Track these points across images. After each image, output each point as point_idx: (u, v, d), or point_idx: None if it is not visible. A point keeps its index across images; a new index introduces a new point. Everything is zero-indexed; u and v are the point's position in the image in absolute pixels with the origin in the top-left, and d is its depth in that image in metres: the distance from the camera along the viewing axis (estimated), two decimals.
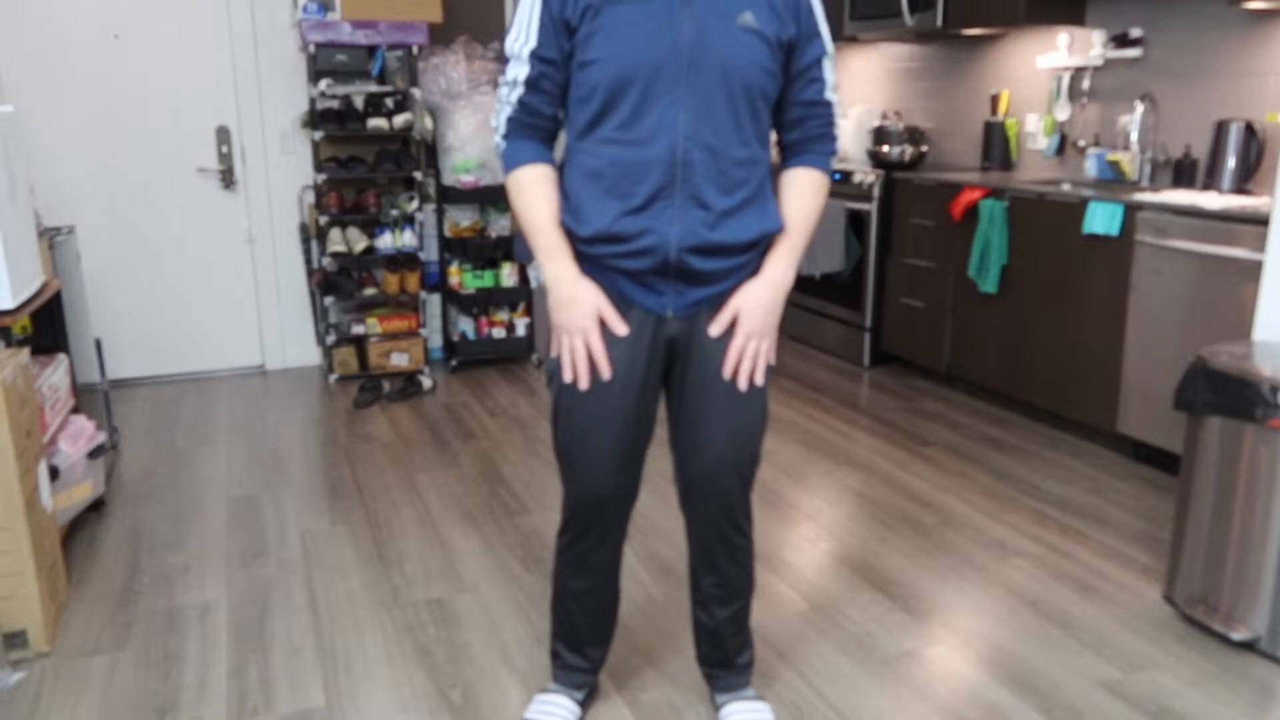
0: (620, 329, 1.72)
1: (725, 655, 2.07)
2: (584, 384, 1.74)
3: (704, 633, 2.06)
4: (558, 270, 1.75)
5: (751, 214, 1.76)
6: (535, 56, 1.71)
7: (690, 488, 1.91)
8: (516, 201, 1.77)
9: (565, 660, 2.09)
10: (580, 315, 1.74)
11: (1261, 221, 2.98)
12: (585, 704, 2.12)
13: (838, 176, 4.85)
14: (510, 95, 1.75)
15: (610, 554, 1.98)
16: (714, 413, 1.83)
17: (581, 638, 2.06)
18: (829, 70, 1.80)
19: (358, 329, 4.61)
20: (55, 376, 2.93)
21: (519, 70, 1.73)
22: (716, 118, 1.68)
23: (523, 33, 1.71)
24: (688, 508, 1.95)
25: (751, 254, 1.79)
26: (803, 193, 1.83)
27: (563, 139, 1.82)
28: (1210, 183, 3.61)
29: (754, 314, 1.79)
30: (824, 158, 1.85)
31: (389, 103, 4.49)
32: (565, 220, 1.78)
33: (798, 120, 1.82)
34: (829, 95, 1.81)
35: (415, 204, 4.56)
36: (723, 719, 2.07)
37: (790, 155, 1.86)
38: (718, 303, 1.80)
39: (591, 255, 1.76)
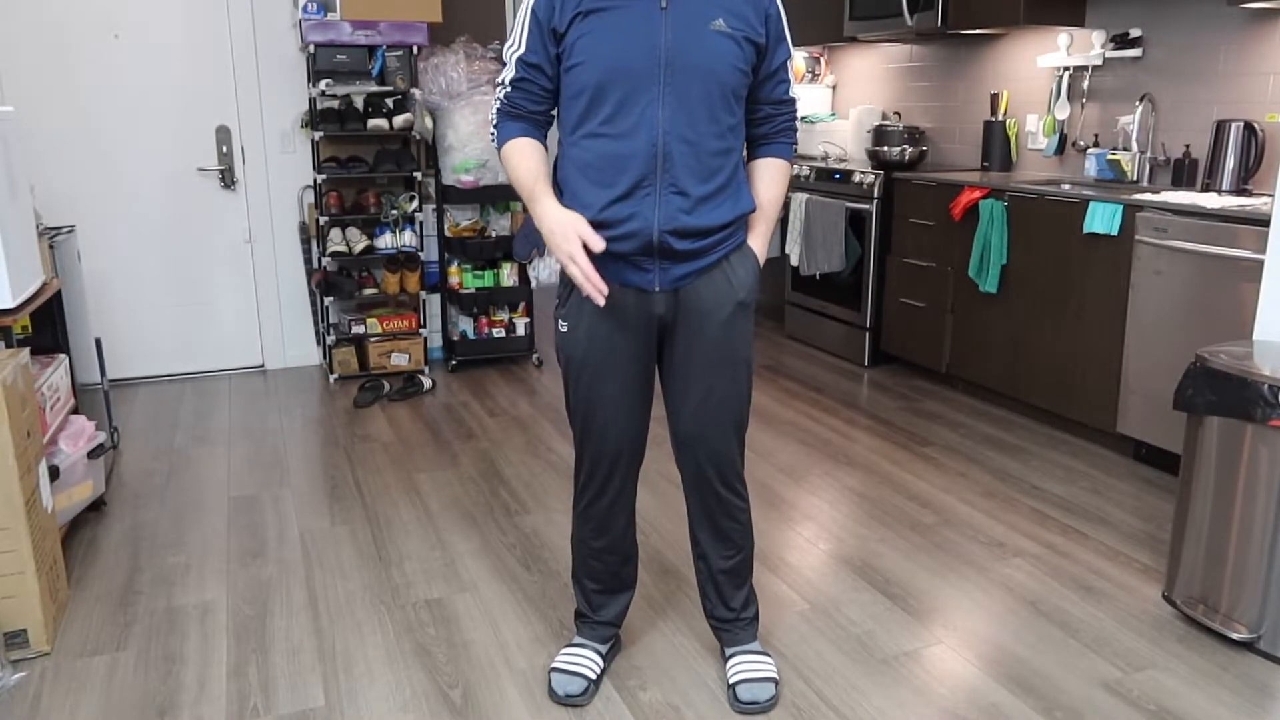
0: (598, 245, 1.83)
1: (729, 608, 2.22)
2: (600, 299, 1.85)
3: (707, 586, 2.22)
4: (543, 209, 1.89)
5: (726, 199, 1.95)
6: (521, 61, 1.91)
7: (682, 449, 2.10)
8: (508, 168, 1.96)
9: (590, 617, 2.26)
10: (563, 240, 1.85)
11: (1261, 222, 2.98)
12: (608, 656, 2.28)
13: (837, 176, 4.85)
14: (500, 93, 1.97)
15: (626, 511, 2.17)
16: (698, 379, 2.02)
17: (606, 590, 2.23)
18: (791, 71, 2.03)
19: (358, 329, 4.61)
20: (55, 376, 2.93)
21: (508, 73, 1.94)
22: (694, 114, 1.87)
23: (515, 39, 1.92)
24: (681, 467, 2.13)
25: (727, 232, 1.98)
26: (775, 179, 2.07)
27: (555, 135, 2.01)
28: (1210, 183, 3.61)
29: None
30: (789, 148, 2.08)
31: (389, 103, 4.49)
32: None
33: (767, 117, 2.03)
34: (792, 93, 2.05)
35: (415, 204, 4.56)
36: (727, 670, 2.21)
37: (759, 146, 2.07)
38: (699, 276, 1.97)
39: None
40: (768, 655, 2.22)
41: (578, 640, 2.26)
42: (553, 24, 1.85)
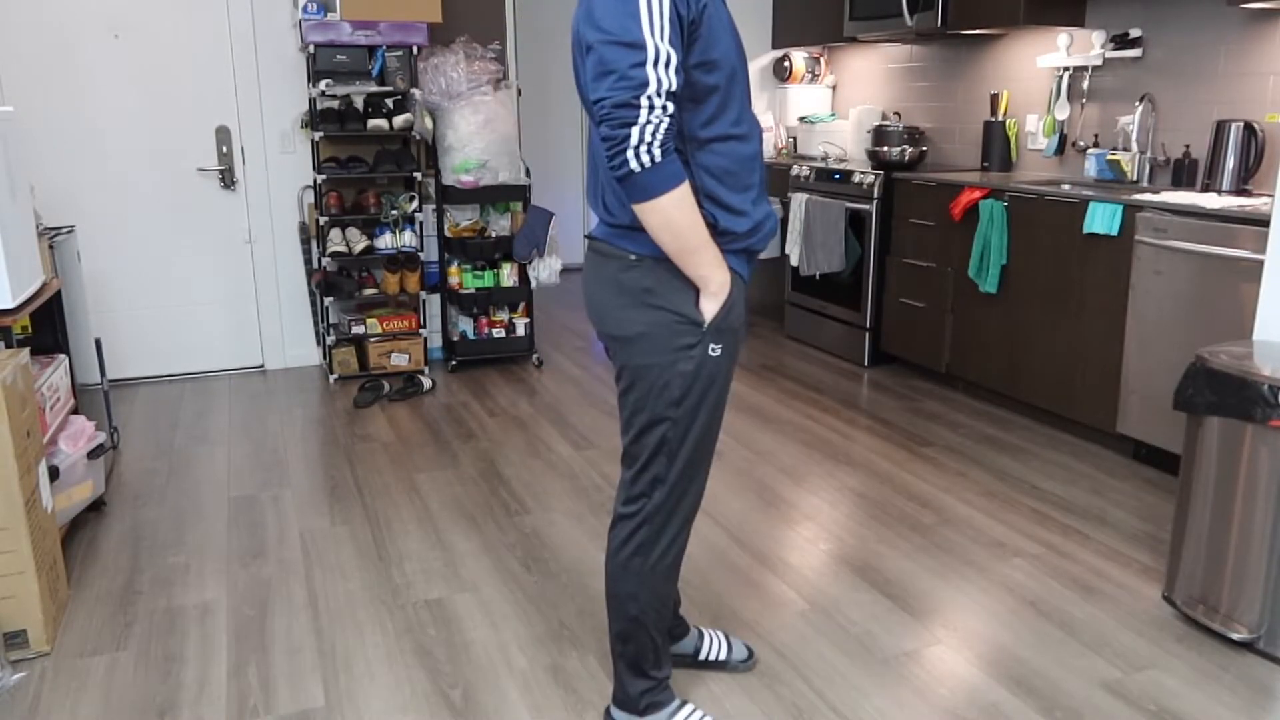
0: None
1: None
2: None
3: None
4: (726, 276, 1.76)
5: None
6: (680, 68, 1.60)
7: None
8: (682, 219, 1.66)
9: (666, 675, 2.03)
10: (740, 314, 1.80)
11: (1261, 222, 2.98)
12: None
13: (837, 176, 4.84)
14: (660, 111, 1.58)
15: None
16: None
17: (664, 635, 2.01)
18: None
19: (358, 329, 4.61)
20: (55, 376, 2.93)
21: (665, 82, 1.57)
22: None
23: (662, 38, 1.56)
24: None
25: None
26: None
27: None
28: (1210, 183, 3.61)
29: None
30: None
31: (389, 103, 4.49)
32: (723, 222, 1.76)
33: None
34: None
35: (415, 204, 4.56)
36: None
37: None
38: None
39: (740, 249, 1.83)
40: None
41: (676, 704, 2.04)
42: (690, 16, 1.60)
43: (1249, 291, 3.03)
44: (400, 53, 4.38)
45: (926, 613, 2.53)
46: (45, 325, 3.18)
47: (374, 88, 4.40)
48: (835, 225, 4.74)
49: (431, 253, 4.90)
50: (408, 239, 4.54)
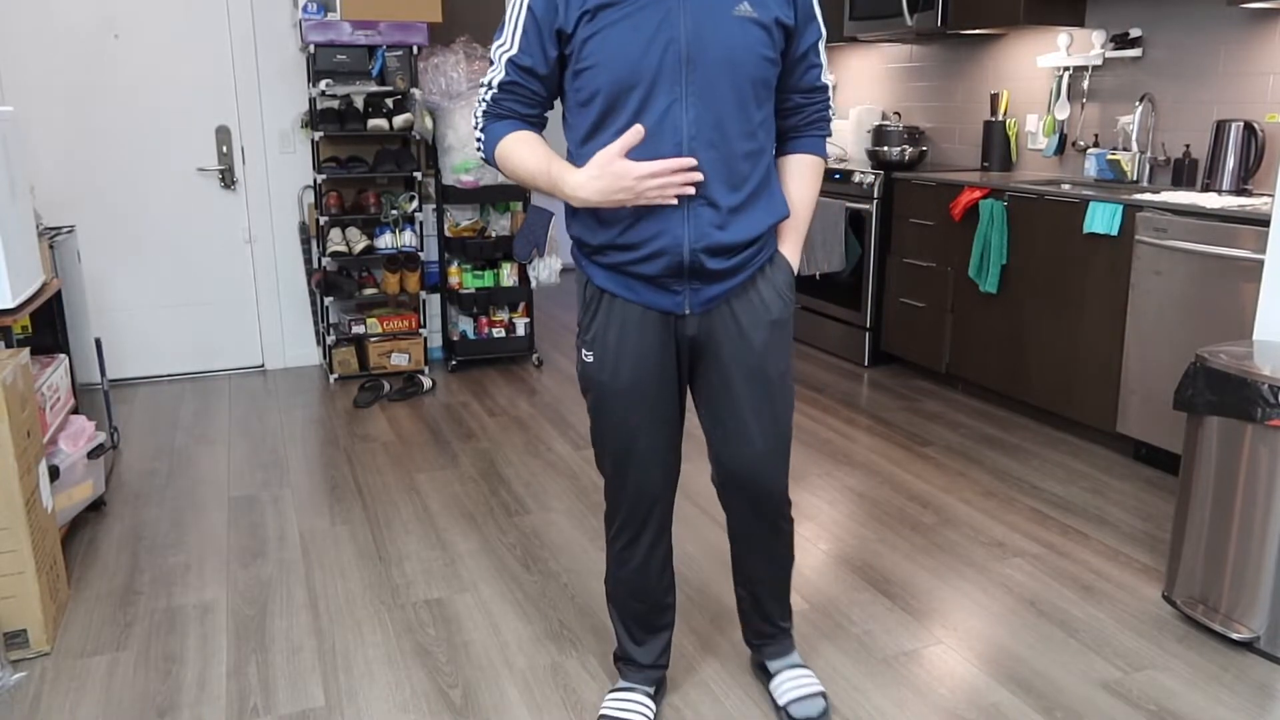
0: (638, 133, 1.63)
1: (772, 624, 2.15)
2: (690, 189, 1.67)
3: (752, 611, 2.14)
4: (573, 182, 1.68)
5: (759, 207, 1.79)
6: (512, 63, 1.73)
7: (730, 490, 1.96)
8: (510, 165, 1.76)
9: (635, 659, 2.09)
10: (620, 189, 1.64)
11: (1261, 222, 2.98)
12: (657, 698, 2.12)
13: (837, 176, 4.85)
14: (485, 95, 1.79)
15: (665, 545, 2.02)
16: (747, 404, 1.86)
17: (647, 630, 2.08)
18: (824, 53, 1.83)
19: (358, 329, 4.61)
20: (55, 376, 2.93)
21: (496, 74, 1.76)
22: (722, 113, 1.68)
23: (506, 38, 1.73)
24: (728, 506, 2.00)
25: (760, 244, 1.82)
26: (806, 179, 1.89)
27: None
28: (1210, 183, 3.61)
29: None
30: (821, 142, 1.90)
31: (389, 103, 4.49)
32: (574, 231, 1.82)
33: (797, 107, 1.85)
34: (825, 79, 1.84)
35: (415, 204, 4.57)
36: (773, 689, 2.12)
37: (788, 140, 1.89)
38: (732, 295, 1.82)
39: (606, 263, 1.79)
40: (808, 668, 2.15)
41: (624, 685, 2.09)
42: (556, 24, 1.67)
43: (1249, 291, 3.03)
44: (400, 52, 4.38)
45: (926, 613, 2.53)
46: (45, 325, 3.18)
47: (374, 88, 4.40)
48: (835, 225, 4.74)
49: (431, 253, 4.90)
50: (408, 239, 4.54)
